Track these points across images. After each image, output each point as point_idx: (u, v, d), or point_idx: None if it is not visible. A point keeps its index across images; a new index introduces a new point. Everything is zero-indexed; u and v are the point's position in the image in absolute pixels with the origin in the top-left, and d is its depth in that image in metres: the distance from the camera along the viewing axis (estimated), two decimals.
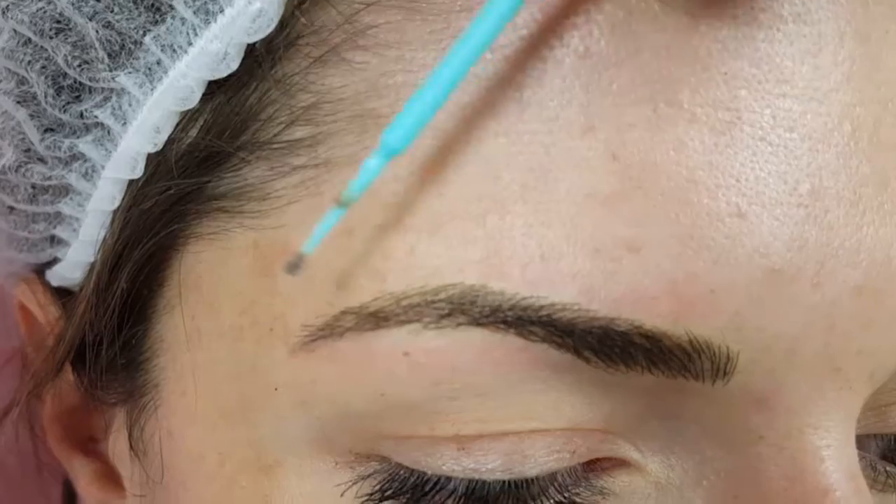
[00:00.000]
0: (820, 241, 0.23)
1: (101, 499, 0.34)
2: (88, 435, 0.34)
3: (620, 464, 0.25)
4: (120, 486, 0.33)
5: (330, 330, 0.24)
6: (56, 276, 0.31)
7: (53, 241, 0.31)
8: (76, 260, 0.30)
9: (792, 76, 0.23)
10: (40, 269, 0.32)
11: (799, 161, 0.23)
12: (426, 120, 0.22)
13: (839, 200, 0.23)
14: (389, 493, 0.25)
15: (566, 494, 0.25)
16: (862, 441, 0.28)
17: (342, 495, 0.25)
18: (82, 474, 0.34)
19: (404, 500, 0.24)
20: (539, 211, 0.23)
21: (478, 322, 0.23)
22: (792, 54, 0.23)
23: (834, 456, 0.24)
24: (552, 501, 0.25)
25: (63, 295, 0.32)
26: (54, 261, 0.31)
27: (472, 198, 0.23)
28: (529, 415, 0.24)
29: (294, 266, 0.23)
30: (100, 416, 0.33)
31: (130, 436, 0.30)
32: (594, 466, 0.25)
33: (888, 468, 0.28)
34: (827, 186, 0.23)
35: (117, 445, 0.32)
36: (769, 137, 0.23)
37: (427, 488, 0.24)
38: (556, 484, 0.25)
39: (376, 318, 0.23)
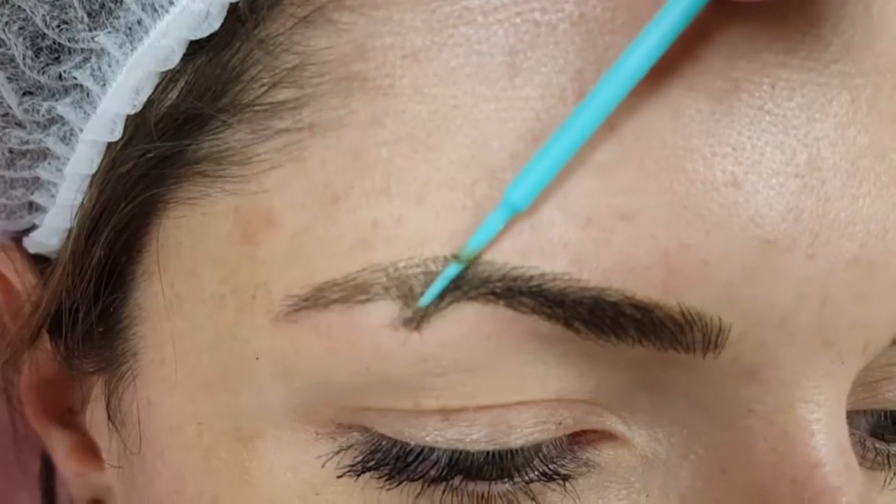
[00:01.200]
0: (815, 212, 0.23)
1: (79, 471, 0.34)
2: (66, 406, 0.34)
3: (606, 436, 0.25)
4: (98, 458, 0.33)
5: (315, 301, 0.23)
6: (33, 242, 0.31)
7: (31, 207, 0.30)
8: (53, 226, 0.29)
9: (792, 46, 0.23)
10: (17, 237, 0.32)
11: (797, 131, 0.23)
12: (549, 178, 0.22)
13: (836, 171, 0.23)
14: (371, 464, 0.24)
15: (551, 466, 0.24)
16: (851, 417, 0.27)
17: (323, 466, 0.25)
18: (60, 446, 0.34)
19: (386, 471, 0.24)
20: None
21: (468, 295, 0.23)
22: (793, 24, 0.23)
23: (824, 430, 0.24)
24: (537, 473, 0.24)
25: (41, 262, 0.31)
26: (32, 227, 0.31)
27: (461, 165, 0.23)
28: (516, 387, 0.24)
29: (410, 320, 0.23)
30: (77, 387, 0.33)
31: (108, 406, 0.29)
32: (580, 439, 0.25)
33: (877, 445, 0.28)
34: (824, 157, 0.23)
35: (95, 416, 0.32)
36: (767, 107, 0.23)
37: (410, 459, 0.24)
38: (540, 455, 0.24)
39: (363, 290, 0.23)
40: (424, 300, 0.23)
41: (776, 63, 0.23)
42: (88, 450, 0.33)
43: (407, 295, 0.23)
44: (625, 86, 0.22)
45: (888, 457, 0.28)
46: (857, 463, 0.27)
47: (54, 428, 0.34)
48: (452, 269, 0.22)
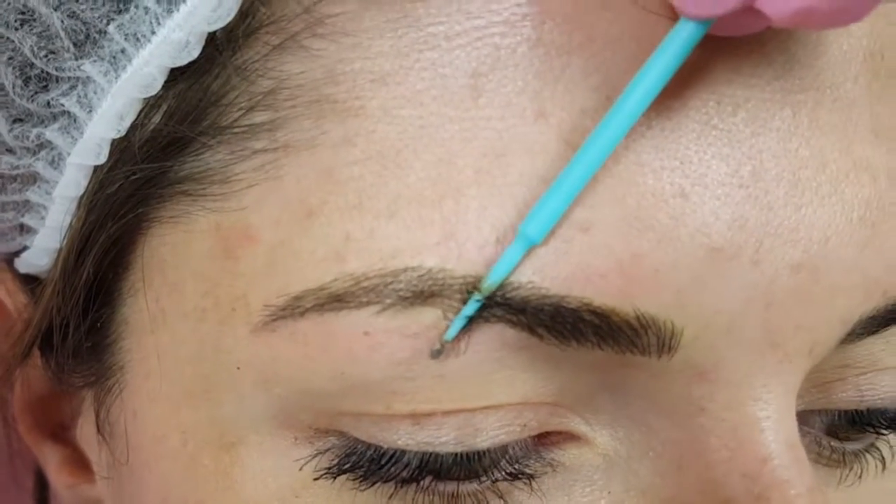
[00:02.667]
0: (759, 221, 0.24)
1: (71, 483, 0.35)
2: (58, 422, 0.35)
3: (570, 437, 0.26)
4: (89, 470, 0.34)
5: (291, 310, 0.25)
6: (24, 263, 0.32)
7: (22, 229, 0.31)
8: (43, 246, 0.30)
9: (738, 64, 0.24)
10: (9, 258, 0.33)
11: (741, 144, 0.24)
12: (561, 212, 0.23)
13: (779, 182, 0.24)
14: (347, 466, 0.25)
15: (517, 466, 0.25)
16: (807, 417, 0.29)
17: (301, 469, 0.26)
18: (52, 460, 0.35)
19: (361, 473, 0.25)
20: (493, 194, 0.24)
21: (437, 304, 0.24)
22: (738, 44, 0.24)
23: (773, 427, 0.25)
24: (504, 473, 0.25)
25: (31, 282, 0.32)
26: (23, 249, 0.32)
27: (428, 182, 0.24)
28: (483, 392, 0.25)
29: (438, 352, 0.24)
30: (69, 403, 0.34)
31: (97, 418, 0.30)
32: (545, 440, 0.26)
33: (833, 443, 0.29)
34: (767, 168, 0.24)
35: (85, 430, 0.33)
36: (713, 122, 0.24)
37: (383, 461, 0.25)
38: (507, 457, 0.25)
39: (336, 299, 0.24)
40: (449, 334, 0.24)
41: (723, 80, 0.24)
42: (79, 463, 0.34)
43: (376, 303, 0.24)
44: (625, 125, 0.23)
45: (843, 454, 0.29)
46: (815, 461, 0.29)
47: (46, 443, 0.35)
48: (474, 303, 0.24)
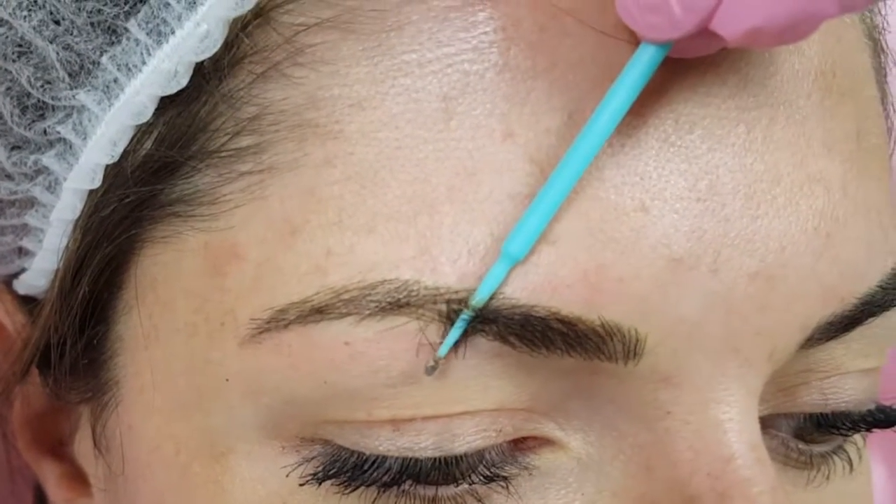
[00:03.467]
0: (717, 232, 0.25)
1: (69, 498, 0.35)
2: (57, 439, 0.36)
3: (545, 442, 0.27)
4: (87, 485, 0.35)
5: (275, 322, 0.26)
6: (23, 284, 0.33)
7: (21, 252, 0.32)
8: (41, 268, 0.31)
9: (694, 83, 0.26)
10: (7, 280, 0.34)
11: (699, 160, 0.25)
12: (540, 230, 0.25)
13: (735, 195, 0.26)
14: (332, 472, 0.26)
15: (493, 470, 0.26)
16: (774, 421, 0.30)
17: (287, 476, 0.27)
18: (51, 476, 0.36)
19: (344, 479, 0.26)
20: (465, 210, 0.25)
21: (413, 314, 0.25)
22: (694, 65, 0.26)
23: (736, 428, 0.26)
24: (481, 477, 0.27)
25: (29, 302, 0.33)
26: (21, 270, 0.33)
27: (404, 199, 0.25)
28: (460, 399, 0.26)
29: (433, 369, 0.25)
30: (66, 420, 0.35)
31: (94, 433, 0.32)
32: (521, 446, 0.27)
33: (800, 446, 0.30)
34: (724, 182, 0.26)
35: (83, 445, 0.34)
36: (671, 139, 0.25)
37: (366, 467, 0.26)
38: (484, 462, 0.26)
39: (318, 311, 0.25)
40: (442, 351, 0.25)
41: (680, 100, 0.25)
42: (77, 478, 0.35)
43: (355, 314, 0.25)
44: (595, 146, 0.24)
45: (811, 457, 0.30)
46: (784, 463, 0.30)
47: (45, 459, 0.36)
48: (462, 322, 0.25)
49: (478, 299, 0.25)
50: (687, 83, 0.26)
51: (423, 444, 0.26)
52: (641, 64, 0.24)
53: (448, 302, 0.25)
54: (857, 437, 0.32)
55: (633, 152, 0.25)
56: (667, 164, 0.25)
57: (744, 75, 0.26)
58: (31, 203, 0.31)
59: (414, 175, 0.25)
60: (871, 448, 0.47)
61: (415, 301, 0.25)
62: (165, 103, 0.27)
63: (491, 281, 0.25)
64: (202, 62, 0.27)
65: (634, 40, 0.25)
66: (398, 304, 0.25)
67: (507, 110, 0.25)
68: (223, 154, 0.27)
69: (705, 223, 0.25)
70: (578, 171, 0.25)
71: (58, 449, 0.36)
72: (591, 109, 0.25)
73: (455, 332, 0.25)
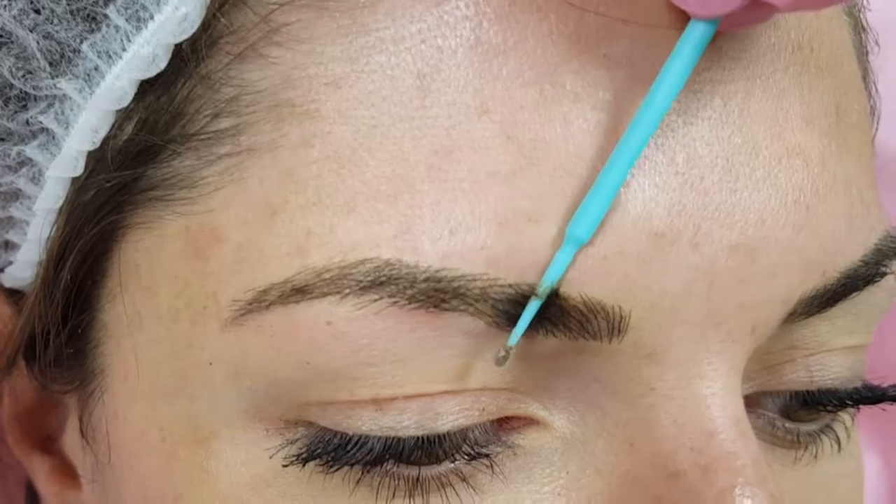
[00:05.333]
0: (697, 205, 0.25)
1: (59, 492, 0.35)
2: (46, 434, 0.36)
3: (529, 422, 0.27)
4: (76, 479, 0.35)
5: (257, 304, 0.26)
6: (9, 277, 0.33)
7: (7, 246, 0.32)
8: (26, 260, 0.31)
9: (666, 57, 0.25)
10: None
11: (675, 133, 0.26)
12: (605, 210, 0.25)
13: (713, 168, 0.26)
14: (316, 452, 0.26)
15: (477, 449, 0.26)
16: (760, 399, 0.30)
17: (271, 458, 0.27)
18: (40, 470, 0.36)
19: (328, 459, 0.26)
20: (445, 189, 0.25)
21: (395, 294, 0.25)
22: (666, 38, 0.25)
23: (718, 403, 0.26)
24: (465, 456, 0.26)
25: (15, 294, 0.33)
26: (7, 264, 0.33)
27: (383, 179, 0.25)
28: (442, 378, 0.26)
29: (503, 359, 0.25)
30: (56, 415, 0.35)
31: (81, 423, 0.32)
32: (505, 426, 0.27)
33: (787, 425, 0.30)
34: (701, 155, 0.26)
35: (71, 437, 0.34)
36: None
37: (349, 447, 0.26)
38: (468, 441, 0.26)
39: (299, 291, 0.25)
40: (511, 340, 0.25)
41: (652, 73, 0.25)
42: (67, 472, 0.35)
43: (336, 293, 0.25)
44: (652, 126, 0.24)
45: (798, 435, 0.30)
46: (772, 443, 0.30)
47: (35, 454, 0.36)
48: (534, 306, 0.25)
49: (545, 286, 0.25)
50: (659, 58, 0.26)
51: (405, 423, 0.26)
52: (694, 40, 0.24)
53: (427, 280, 0.25)
54: (845, 416, 0.32)
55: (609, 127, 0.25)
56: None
57: (717, 49, 0.26)
58: (15, 195, 0.31)
59: (392, 153, 0.25)
60: (867, 438, 0.48)
61: (396, 280, 0.25)
62: (145, 88, 0.27)
63: (558, 266, 0.25)
64: (180, 45, 0.27)
65: (599, 10, 0.25)
66: (379, 282, 0.25)
67: (480, 86, 0.25)
68: (202, 137, 0.27)
69: (685, 196, 0.25)
70: (636, 151, 0.24)
71: (47, 444, 0.36)
72: (562, 83, 0.25)
73: (524, 322, 0.25)
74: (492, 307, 0.25)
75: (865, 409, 0.32)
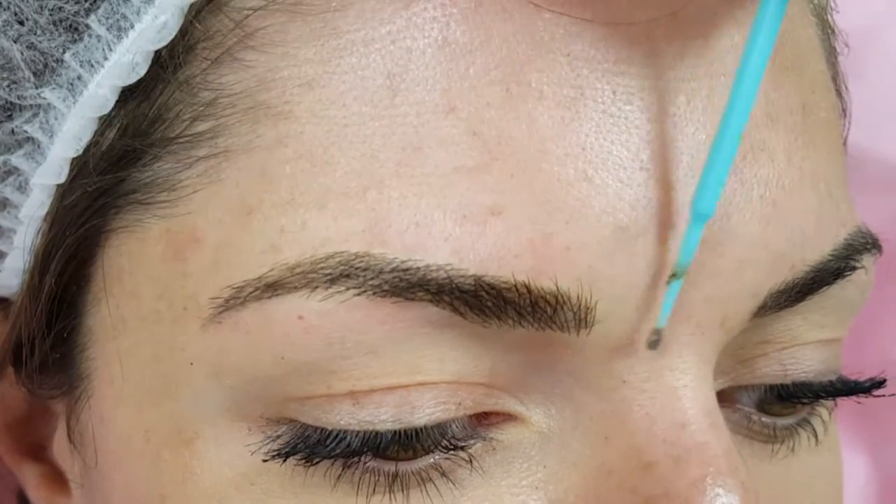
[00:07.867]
0: (661, 200, 0.26)
1: (48, 498, 0.36)
2: (37, 443, 0.36)
3: (507, 418, 0.28)
4: (66, 485, 0.35)
5: (234, 301, 0.26)
6: None
7: None
8: (13, 267, 0.32)
9: (629, 56, 0.26)
10: None
11: (639, 130, 0.26)
12: (724, 178, 0.25)
13: (678, 164, 0.26)
14: (297, 447, 0.27)
15: (455, 443, 0.27)
16: (736, 394, 0.30)
17: (252, 454, 0.27)
18: (31, 478, 0.36)
19: (307, 453, 0.27)
20: (412, 184, 0.26)
21: (363, 285, 0.26)
22: (629, 36, 0.26)
23: (690, 395, 0.27)
24: (445, 452, 0.27)
25: (1, 303, 0.34)
26: None
27: (353, 175, 0.26)
28: (416, 369, 0.26)
29: (655, 342, 0.26)
30: (46, 424, 0.35)
31: (69, 428, 0.32)
32: (484, 422, 0.28)
33: (764, 419, 0.30)
34: (666, 152, 0.26)
35: (60, 444, 0.34)
36: (610, 110, 0.26)
37: (328, 442, 0.26)
38: (446, 436, 0.27)
39: (272, 287, 0.26)
40: (661, 322, 0.26)
41: (615, 72, 0.26)
42: (57, 479, 0.36)
43: (306, 287, 0.26)
44: (749, 99, 0.25)
45: (775, 429, 0.31)
46: (749, 437, 0.30)
47: (25, 462, 0.36)
48: (675, 287, 0.26)
49: (683, 264, 0.25)
50: (622, 56, 0.26)
51: (382, 416, 0.26)
52: (769, 16, 0.25)
53: (394, 271, 0.25)
54: (822, 410, 0.32)
55: (572, 125, 0.26)
56: (607, 134, 0.26)
57: (680, 47, 0.27)
58: (2, 205, 0.31)
59: (362, 151, 0.26)
60: (855, 437, 0.48)
61: (363, 271, 0.25)
62: (126, 94, 0.28)
63: (690, 243, 0.25)
64: (159, 51, 0.27)
65: (563, 10, 0.25)
66: (346, 274, 0.25)
67: (448, 85, 0.26)
68: (181, 140, 0.27)
69: (650, 191, 0.26)
70: (739, 127, 0.25)
71: (38, 452, 0.36)
72: (527, 81, 0.26)
73: (669, 302, 0.25)
74: (455, 297, 0.26)
75: (854, 409, 0.32)
